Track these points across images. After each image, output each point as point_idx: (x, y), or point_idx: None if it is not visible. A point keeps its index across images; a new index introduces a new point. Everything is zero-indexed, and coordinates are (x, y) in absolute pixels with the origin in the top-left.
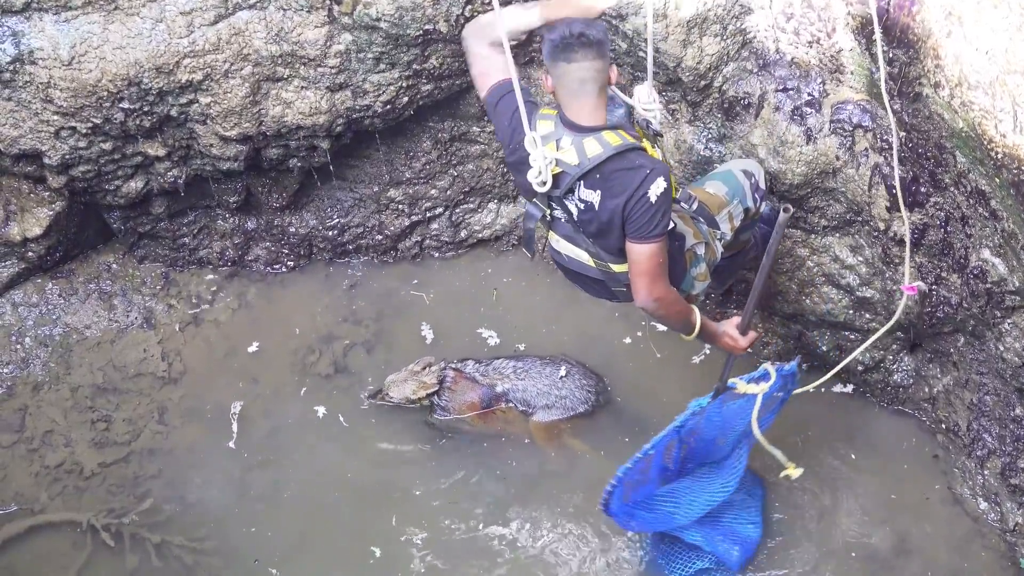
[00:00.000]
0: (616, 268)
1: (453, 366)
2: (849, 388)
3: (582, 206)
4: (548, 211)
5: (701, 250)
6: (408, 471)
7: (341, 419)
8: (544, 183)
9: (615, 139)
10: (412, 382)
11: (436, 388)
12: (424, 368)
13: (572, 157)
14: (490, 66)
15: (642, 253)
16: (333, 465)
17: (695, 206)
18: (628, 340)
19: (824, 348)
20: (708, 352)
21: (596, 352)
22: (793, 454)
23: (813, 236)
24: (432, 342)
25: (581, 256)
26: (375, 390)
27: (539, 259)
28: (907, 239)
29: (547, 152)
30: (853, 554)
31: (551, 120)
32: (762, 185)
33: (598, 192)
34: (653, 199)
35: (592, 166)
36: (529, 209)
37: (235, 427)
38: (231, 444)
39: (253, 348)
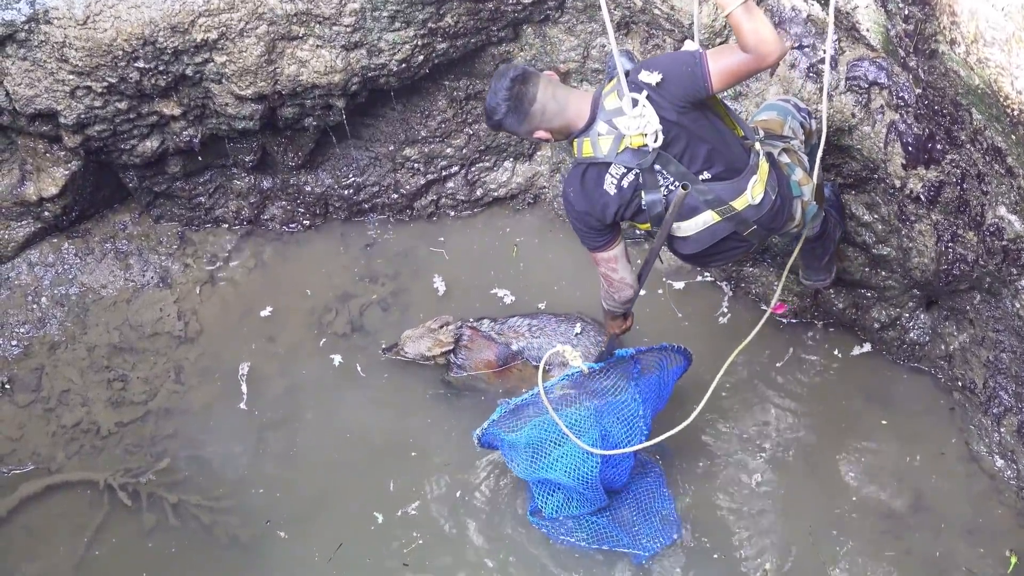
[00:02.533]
0: (737, 204)
1: (469, 324)
2: (867, 347)
3: (666, 126)
4: (664, 189)
5: (785, 158)
6: (424, 430)
7: (357, 378)
8: (655, 136)
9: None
10: (428, 339)
11: (452, 346)
12: (441, 326)
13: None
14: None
15: None
16: (348, 424)
17: (761, 134)
18: (646, 298)
19: (840, 306)
20: (730, 314)
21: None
22: (809, 410)
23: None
24: (448, 300)
25: (707, 220)
26: (390, 344)
27: (555, 216)
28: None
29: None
30: (869, 510)
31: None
32: (801, 105)
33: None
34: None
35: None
36: (649, 199)
37: (244, 388)
38: (242, 405)
39: (269, 307)
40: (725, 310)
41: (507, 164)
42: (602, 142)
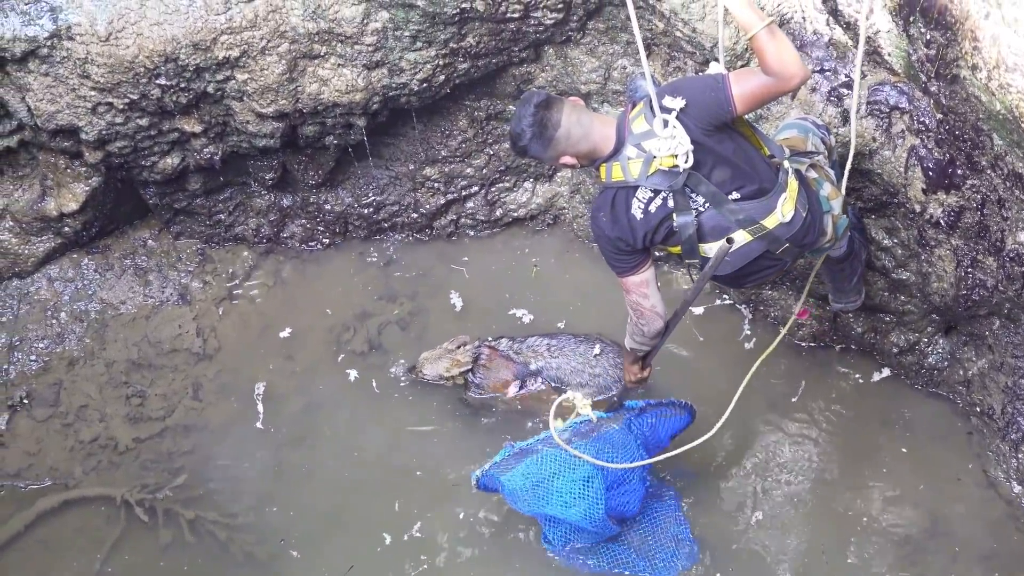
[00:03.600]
0: (768, 222)
1: (487, 343)
2: (886, 372)
3: (695, 147)
4: (694, 211)
5: (813, 173)
6: (440, 451)
7: (374, 396)
8: (687, 156)
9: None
10: (446, 360)
11: (470, 366)
12: (459, 347)
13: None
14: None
15: None
16: (365, 444)
17: (787, 152)
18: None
19: (859, 330)
20: (751, 337)
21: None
22: (827, 434)
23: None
24: (466, 319)
25: (738, 240)
26: (409, 366)
27: (573, 238)
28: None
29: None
30: (885, 535)
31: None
32: (819, 123)
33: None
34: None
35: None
36: (680, 221)
37: (261, 408)
38: (259, 424)
39: (288, 325)
40: (748, 333)
41: (527, 185)
42: (632, 166)
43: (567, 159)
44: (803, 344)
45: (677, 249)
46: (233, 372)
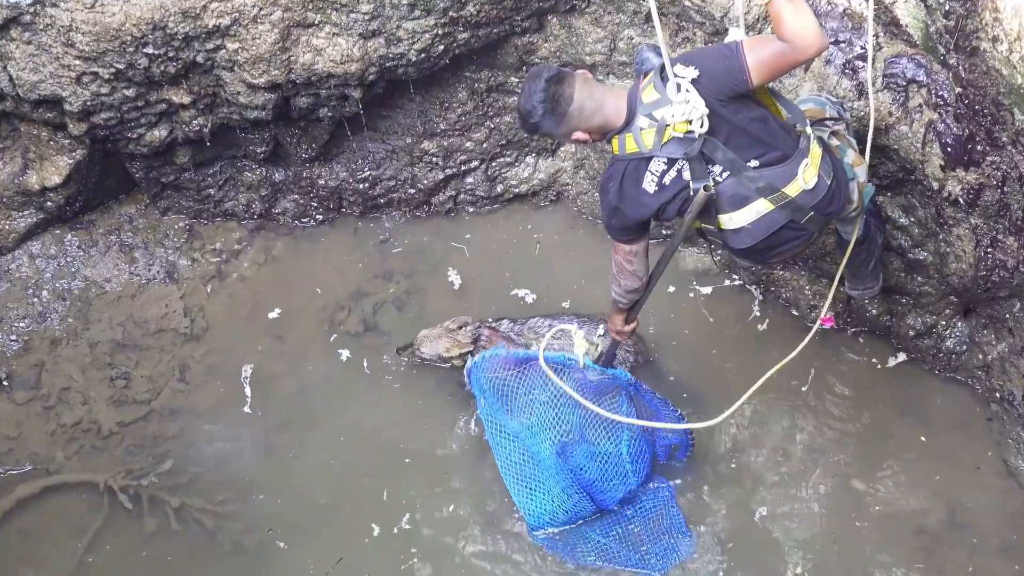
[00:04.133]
0: (790, 190)
1: (488, 325)
2: (902, 357)
3: (710, 116)
4: (711, 179)
5: (835, 140)
6: (435, 436)
7: (368, 379)
8: (702, 121)
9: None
10: (446, 339)
11: (471, 347)
12: (460, 327)
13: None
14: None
15: None
16: (357, 429)
17: (808, 122)
18: (676, 303)
19: (874, 312)
20: (762, 319)
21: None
22: (840, 421)
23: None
24: (465, 299)
25: (759, 209)
26: (406, 344)
27: (577, 214)
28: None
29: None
30: (900, 526)
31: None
32: (833, 99)
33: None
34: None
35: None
36: (698, 187)
37: (249, 391)
38: (247, 408)
39: (279, 304)
40: (757, 314)
41: (529, 160)
42: (645, 136)
43: (579, 135)
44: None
45: (697, 223)
46: (221, 353)
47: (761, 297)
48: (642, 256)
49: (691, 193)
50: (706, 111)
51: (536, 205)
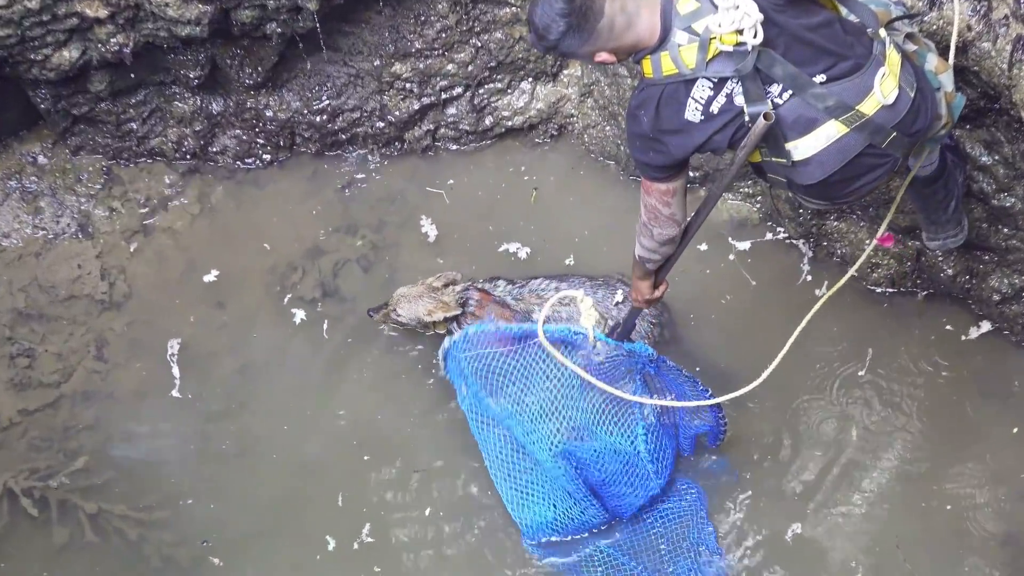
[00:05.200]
0: (866, 107)
1: (479, 286)
2: (985, 326)
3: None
4: (770, 102)
5: (911, 45)
6: (410, 425)
7: (327, 355)
8: (755, 30)
9: None
10: (428, 300)
11: (457, 312)
12: (446, 285)
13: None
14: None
15: None
16: (312, 419)
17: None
18: (711, 262)
19: (949, 272)
20: (826, 282)
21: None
22: (907, 405)
23: None
24: (447, 256)
25: (830, 133)
26: (379, 305)
27: (584, 153)
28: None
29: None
30: (982, 533)
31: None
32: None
33: None
34: None
35: None
36: (754, 111)
37: (177, 371)
38: (176, 392)
39: (218, 265)
40: (808, 276)
41: (524, 86)
42: (685, 54)
43: (604, 56)
44: (877, 290)
45: (756, 155)
46: (147, 325)
47: (811, 253)
48: (681, 196)
49: (746, 120)
50: (760, 17)
51: (533, 142)
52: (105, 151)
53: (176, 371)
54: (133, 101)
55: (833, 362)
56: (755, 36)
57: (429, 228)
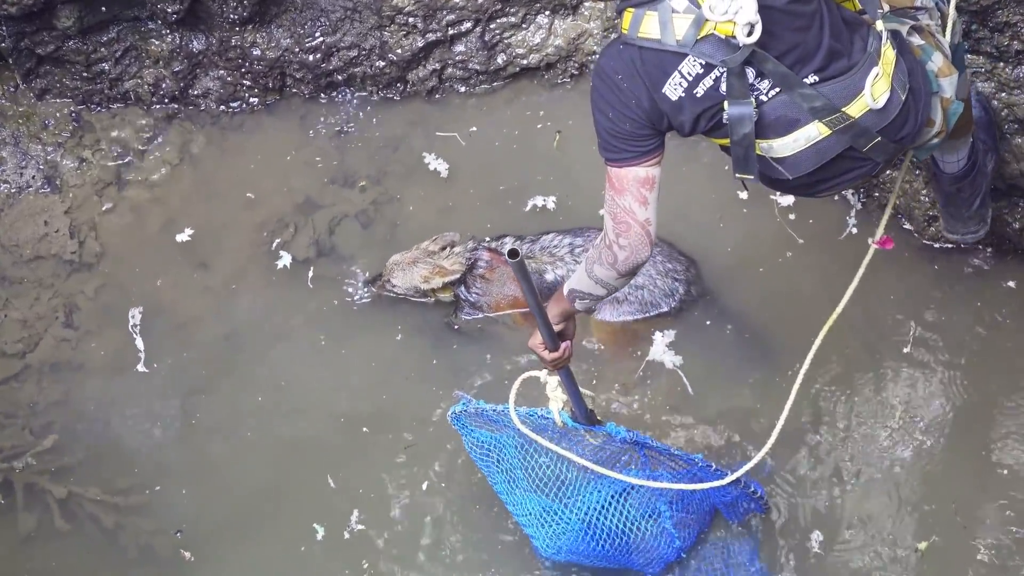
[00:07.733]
0: (852, 110)
1: (486, 244)
2: None
3: (763, 12)
4: (755, 100)
5: (917, 39)
6: (408, 402)
7: (321, 323)
8: (749, 29)
9: None
10: (423, 266)
11: (459, 274)
12: (444, 248)
13: None
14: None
15: None
16: (306, 391)
17: (886, 8)
18: (752, 219)
19: (1016, 226)
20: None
21: (696, 228)
22: (968, 371)
23: (1002, 65)
24: (456, 212)
25: (811, 135)
26: (374, 276)
27: None
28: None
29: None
30: None
31: None
32: None
33: None
34: None
35: None
36: (734, 112)
37: (140, 343)
38: (140, 367)
39: (199, 221)
40: (854, 230)
41: (541, 20)
42: (677, 22)
43: None
44: (935, 245)
45: (725, 141)
46: (121, 288)
47: (860, 206)
48: (657, 191)
49: (723, 116)
50: (756, 19)
51: (551, 82)
52: (74, 95)
53: (140, 343)
54: (105, 39)
55: (887, 324)
56: (749, 35)
57: (438, 177)
